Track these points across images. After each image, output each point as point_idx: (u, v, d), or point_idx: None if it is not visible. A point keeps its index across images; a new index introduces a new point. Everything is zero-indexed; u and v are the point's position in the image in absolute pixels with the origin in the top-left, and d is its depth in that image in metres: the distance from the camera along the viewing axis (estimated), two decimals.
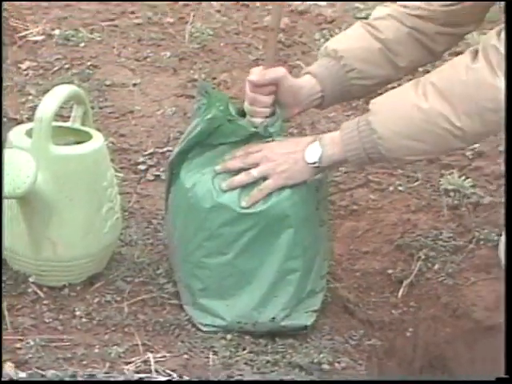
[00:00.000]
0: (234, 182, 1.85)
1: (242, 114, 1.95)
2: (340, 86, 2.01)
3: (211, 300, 1.97)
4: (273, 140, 1.89)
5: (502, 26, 1.76)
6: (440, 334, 2.09)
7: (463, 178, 2.40)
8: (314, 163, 1.84)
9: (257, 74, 1.90)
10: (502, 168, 2.35)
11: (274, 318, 1.93)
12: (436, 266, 2.19)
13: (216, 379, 1.77)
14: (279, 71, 1.90)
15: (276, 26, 1.98)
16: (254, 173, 1.86)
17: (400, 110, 1.80)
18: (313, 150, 1.84)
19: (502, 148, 2.41)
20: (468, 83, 1.73)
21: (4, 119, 2.35)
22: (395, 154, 1.86)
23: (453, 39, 2.04)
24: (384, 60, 2.03)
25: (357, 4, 3.35)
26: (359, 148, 1.81)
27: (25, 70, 2.70)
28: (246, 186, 1.88)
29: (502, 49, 1.72)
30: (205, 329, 1.92)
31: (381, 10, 2.09)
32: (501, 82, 1.71)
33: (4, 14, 2.94)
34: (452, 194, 2.33)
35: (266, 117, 1.92)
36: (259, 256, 1.92)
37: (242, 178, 1.86)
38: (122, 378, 1.71)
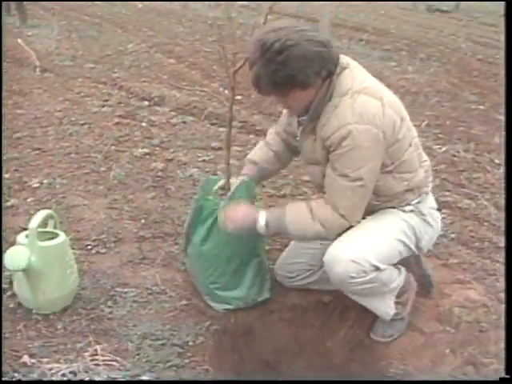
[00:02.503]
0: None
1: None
2: (258, 175, 2.12)
3: (223, 295, 2.10)
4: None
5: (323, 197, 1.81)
6: (246, 317, 2.12)
7: None
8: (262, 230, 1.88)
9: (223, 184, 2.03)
10: None
11: (254, 299, 2.12)
12: None
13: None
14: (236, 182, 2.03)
15: (228, 147, 2.04)
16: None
17: (301, 223, 1.83)
18: (263, 221, 1.87)
19: None
20: (330, 221, 1.79)
21: (18, 228, 2.38)
22: (295, 239, 2.04)
23: None
24: (276, 160, 2.13)
25: None
26: (282, 232, 1.91)
27: (29, 201, 2.72)
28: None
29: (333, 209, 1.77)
30: (222, 311, 2.10)
31: (271, 129, 2.17)
32: (341, 219, 1.77)
33: (12, 171, 3.00)
34: None
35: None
36: (244, 271, 2.10)
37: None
38: (82, 362, 1.75)
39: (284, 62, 1.62)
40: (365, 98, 1.71)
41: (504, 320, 1.71)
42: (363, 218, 1.86)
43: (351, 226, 1.82)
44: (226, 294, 2.11)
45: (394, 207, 1.92)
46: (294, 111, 1.87)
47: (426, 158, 1.97)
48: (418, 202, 1.93)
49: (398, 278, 1.96)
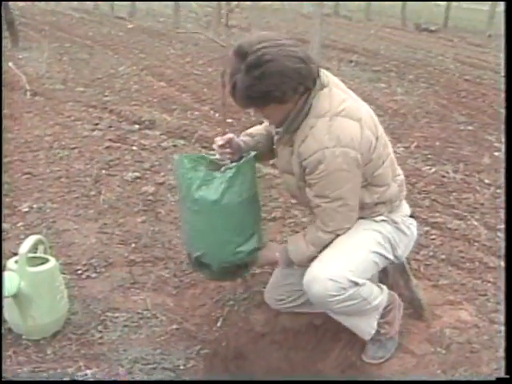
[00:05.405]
0: None
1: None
2: (254, 147, 2.00)
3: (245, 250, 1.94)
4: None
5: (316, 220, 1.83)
6: (237, 340, 2.11)
7: None
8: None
9: (219, 139, 1.91)
10: None
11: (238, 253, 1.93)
12: (235, 308, 2.25)
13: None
14: (228, 135, 1.93)
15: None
16: None
17: (299, 252, 1.89)
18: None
19: None
20: (317, 241, 1.85)
21: (8, 253, 2.36)
22: (299, 265, 1.93)
23: None
24: (269, 139, 2.00)
25: None
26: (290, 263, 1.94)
27: (19, 225, 2.72)
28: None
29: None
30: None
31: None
32: (327, 234, 1.83)
33: (2, 195, 2.98)
34: None
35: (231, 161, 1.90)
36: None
37: None
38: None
39: (259, 78, 1.61)
40: (343, 121, 1.71)
41: (504, 318, 1.71)
42: None
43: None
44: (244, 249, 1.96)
45: (364, 217, 1.91)
46: (272, 122, 1.89)
47: (399, 172, 1.98)
48: (390, 212, 1.93)
49: (380, 296, 1.97)
